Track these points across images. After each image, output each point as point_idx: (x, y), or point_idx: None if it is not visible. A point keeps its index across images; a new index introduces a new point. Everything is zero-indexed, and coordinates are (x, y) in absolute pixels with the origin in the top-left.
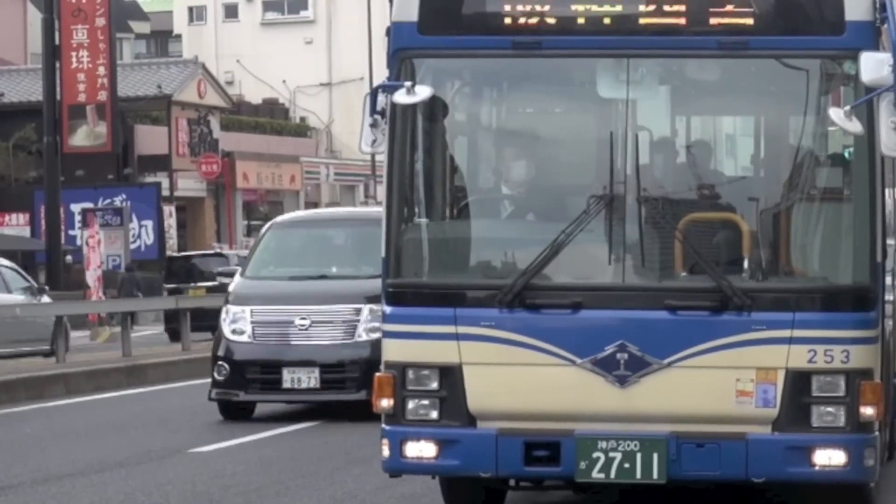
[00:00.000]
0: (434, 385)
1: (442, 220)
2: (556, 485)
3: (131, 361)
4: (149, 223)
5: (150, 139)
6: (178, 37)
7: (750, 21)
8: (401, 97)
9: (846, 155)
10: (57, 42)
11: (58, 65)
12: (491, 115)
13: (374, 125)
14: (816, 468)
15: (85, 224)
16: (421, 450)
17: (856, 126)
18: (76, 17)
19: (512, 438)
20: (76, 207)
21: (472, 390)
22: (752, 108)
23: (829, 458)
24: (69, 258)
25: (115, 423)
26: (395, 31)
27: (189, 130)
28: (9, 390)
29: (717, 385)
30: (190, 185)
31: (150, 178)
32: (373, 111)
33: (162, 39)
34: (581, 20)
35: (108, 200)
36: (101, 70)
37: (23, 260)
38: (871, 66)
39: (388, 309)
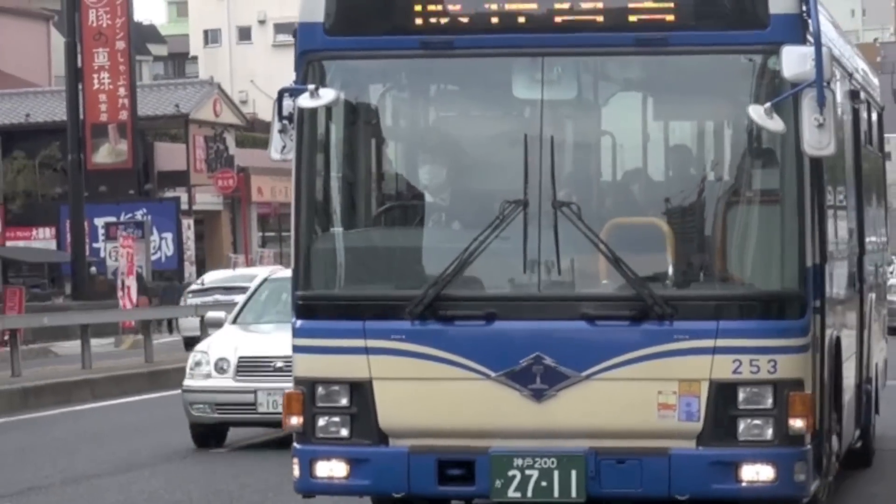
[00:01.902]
0: (344, 401)
1: (352, 230)
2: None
3: (153, 367)
4: (168, 235)
5: (168, 156)
6: (195, 58)
7: (670, 16)
8: (305, 101)
9: (773, 155)
10: (79, 65)
11: (80, 86)
12: (401, 118)
13: (282, 131)
14: (743, 484)
15: (108, 237)
16: (331, 469)
17: (777, 124)
18: (97, 41)
19: (424, 456)
20: (99, 221)
21: (383, 407)
22: (674, 107)
23: (756, 473)
24: (93, 269)
25: (138, 426)
26: (301, 33)
27: (206, 147)
28: (38, 395)
29: (638, 398)
30: (207, 199)
31: (169, 193)
32: (280, 116)
33: (179, 61)
34: (494, 18)
35: (129, 214)
36: (122, 91)
37: (49, 271)
38: (794, 60)
39: (297, 322)
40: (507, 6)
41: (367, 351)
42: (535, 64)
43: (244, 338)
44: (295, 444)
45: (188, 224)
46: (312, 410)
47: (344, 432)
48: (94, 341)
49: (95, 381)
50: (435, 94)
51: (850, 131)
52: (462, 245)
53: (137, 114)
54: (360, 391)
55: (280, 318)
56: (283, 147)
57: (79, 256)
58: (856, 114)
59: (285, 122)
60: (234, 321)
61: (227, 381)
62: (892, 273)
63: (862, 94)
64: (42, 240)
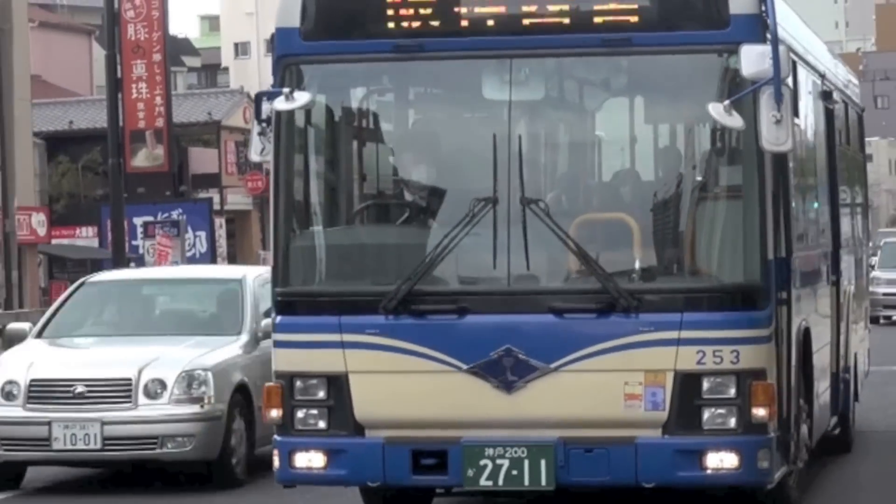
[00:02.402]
0: (321, 394)
1: (328, 228)
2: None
3: None
4: (202, 234)
5: (202, 160)
6: (226, 69)
7: (634, 17)
8: (280, 104)
9: (734, 151)
10: (119, 75)
11: (120, 95)
12: (375, 120)
13: (261, 133)
14: (708, 471)
15: (146, 235)
16: (310, 460)
17: (736, 121)
18: (135, 54)
19: (399, 447)
20: (138, 221)
21: (359, 399)
22: (638, 106)
23: (720, 460)
24: (133, 266)
25: None
26: (279, 38)
27: (236, 151)
28: None
29: (605, 389)
30: (238, 199)
31: (202, 194)
32: (258, 119)
33: (211, 72)
34: (464, 21)
35: (166, 214)
36: (158, 100)
37: (92, 267)
38: (753, 59)
39: (276, 318)
40: (477, 10)
41: (342, 345)
42: (503, 66)
43: (43, 355)
44: (275, 436)
45: (220, 223)
46: (291, 403)
47: (322, 424)
48: None
49: None
50: (408, 96)
51: (822, 130)
52: (434, 242)
53: (173, 121)
54: (337, 384)
55: (104, 331)
56: (263, 149)
57: (119, 253)
58: (829, 113)
59: (264, 124)
60: (40, 334)
61: (14, 411)
62: (874, 266)
63: (836, 95)
64: (85, 238)
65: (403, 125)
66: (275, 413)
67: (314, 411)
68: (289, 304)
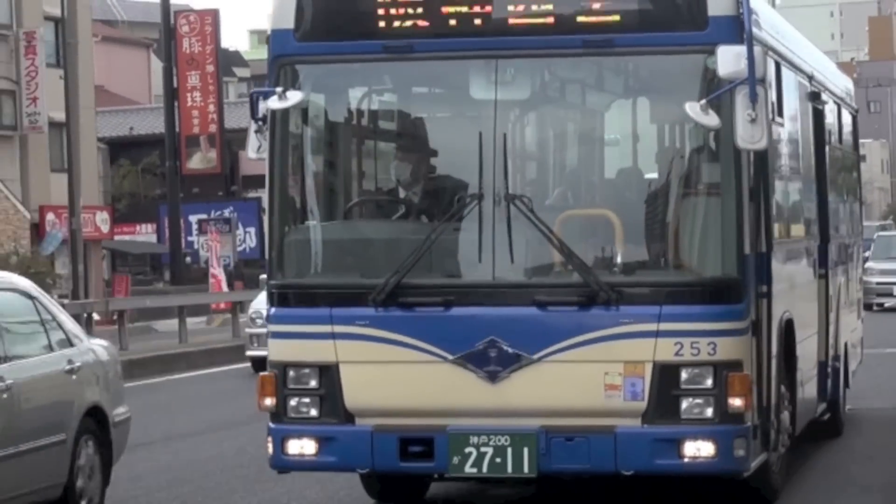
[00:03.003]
0: (313, 383)
1: (320, 223)
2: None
3: (240, 342)
4: (252, 230)
5: (251, 162)
6: None
7: (615, 19)
8: (274, 103)
9: (712, 150)
10: (175, 85)
11: (176, 103)
12: (366, 118)
13: (258, 131)
14: (685, 460)
15: (200, 232)
16: (302, 447)
17: (712, 120)
18: (190, 65)
19: (387, 435)
20: (193, 218)
21: (349, 388)
22: (620, 106)
23: (697, 449)
24: (188, 259)
25: (227, 392)
26: (273, 39)
27: None
28: (142, 366)
29: (586, 379)
30: None
31: (252, 194)
32: (254, 118)
33: (259, 82)
34: (451, 23)
35: (218, 212)
36: (211, 107)
37: (151, 261)
38: (729, 59)
39: (271, 310)
40: (463, 12)
41: (333, 336)
42: (489, 66)
43: None
44: (269, 424)
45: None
46: (284, 392)
47: (313, 412)
48: (189, 320)
49: (191, 354)
50: (397, 95)
51: (810, 129)
52: (422, 236)
53: (225, 126)
54: (328, 374)
55: None
56: (259, 147)
57: (175, 248)
58: (817, 113)
59: (260, 123)
60: None
61: None
62: (868, 257)
63: (824, 96)
64: (144, 234)
65: (393, 123)
66: (268, 401)
67: (306, 400)
68: (283, 296)
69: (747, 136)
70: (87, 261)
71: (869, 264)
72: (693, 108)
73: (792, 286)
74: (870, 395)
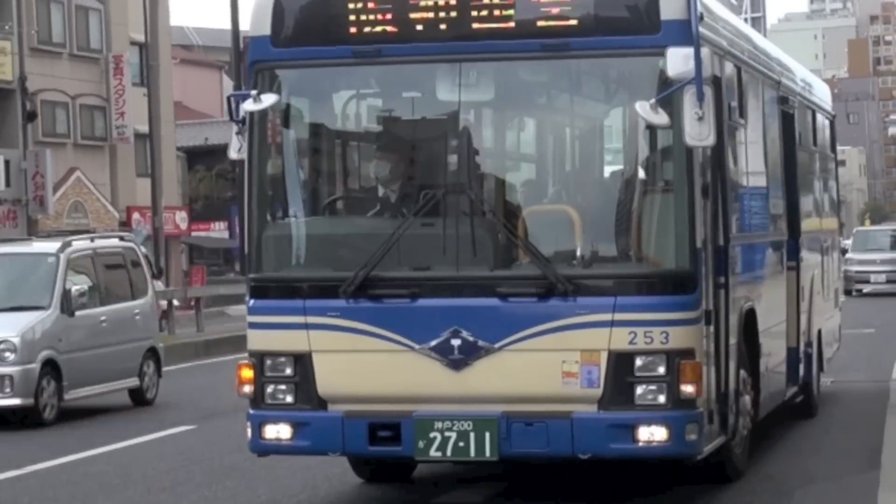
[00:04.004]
0: (288, 371)
1: (294, 219)
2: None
3: None
4: None
5: None
6: None
7: (572, 23)
8: (249, 105)
9: (665, 148)
10: None
11: None
12: (338, 120)
13: (238, 133)
14: (640, 444)
15: None
16: (278, 432)
17: (661, 118)
18: None
19: (357, 420)
20: None
21: (321, 376)
22: (578, 106)
23: (651, 434)
24: None
25: None
26: (251, 45)
27: None
28: (217, 346)
29: (545, 367)
30: None
31: None
32: (233, 119)
33: None
34: (418, 28)
35: None
36: None
37: (223, 254)
38: (677, 60)
39: (250, 302)
40: (429, 17)
41: (307, 327)
42: (453, 69)
43: None
44: (249, 410)
45: None
46: (261, 380)
47: (289, 399)
48: None
49: None
50: (367, 98)
51: (777, 130)
52: (390, 231)
53: None
54: (302, 362)
55: None
56: (240, 147)
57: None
58: (786, 116)
59: (240, 124)
60: None
61: None
62: (849, 248)
63: (793, 100)
64: (217, 231)
65: (363, 125)
66: (247, 388)
67: (282, 387)
68: (260, 288)
69: (695, 134)
70: (168, 254)
71: (849, 255)
72: (643, 108)
73: (755, 278)
74: (850, 370)
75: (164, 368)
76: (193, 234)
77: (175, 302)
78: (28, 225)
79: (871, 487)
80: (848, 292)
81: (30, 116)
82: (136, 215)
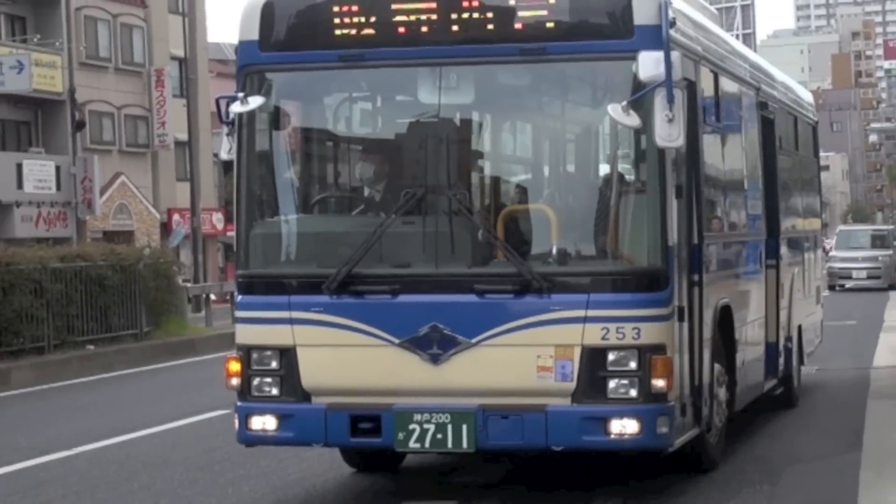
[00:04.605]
0: (274, 365)
1: (281, 218)
2: None
3: None
4: None
5: None
6: None
7: (549, 28)
8: (236, 107)
9: (638, 149)
10: None
11: None
12: (323, 122)
13: (228, 134)
14: (612, 436)
15: None
16: (264, 423)
17: (633, 120)
18: None
19: (339, 412)
20: None
21: (305, 369)
22: (555, 109)
23: (623, 426)
24: None
25: None
26: (240, 50)
27: None
28: None
29: (520, 361)
30: None
31: None
32: (221, 121)
33: None
34: (400, 32)
35: None
36: None
37: None
38: (649, 63)
39: (239, 297)
40: (411, 23)
41: (291, 322)
42: (434, 72)
43: None
44: (236, 402)
45: None
46: (248, 373)
47: (274, 391)
48: None
49: None
50: (352, 100)
51: (757, 135)
52: (372, 230)
53: None
54: (287, 356)
55: None
56: (230, 148)
57: None
58: (766, 121)
59: (230, 126)
60: None
61: None
62: (833, 246)
63: (773, 106)
64: None
65: (347, 126)
66: (234, 381)
67: (268, 380)
68: (248, 284)
69: (665, 135)
70: (205, 252)
71: (832, 253)
72: (615, 110)
73: (730, 275)
74: (833, 358)
75: (202, 357)
76: (229, 233)
77: (212, 296)
78: (77, 225)
79: (854, 466)
80: (832, 287)
81: (79, 125)
82: (176, 216)
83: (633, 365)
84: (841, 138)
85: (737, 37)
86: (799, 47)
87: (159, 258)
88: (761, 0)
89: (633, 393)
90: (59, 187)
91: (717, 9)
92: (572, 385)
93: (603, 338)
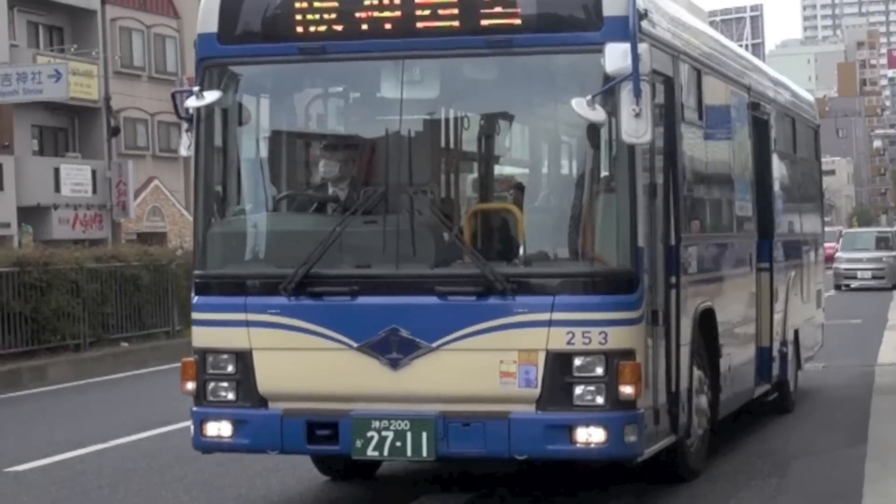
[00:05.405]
0: (230, 369)
1: (238, 216)
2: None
3: None
4: None
5: None
6: None
7: (516, 20)
8: (192, 101)
9: (607, 146)
10: None
11: None
12: (282, 117)
13: (188, 130)
14: (577, 445)
15: None
16: (219, 429)
17: (598, 115)
18: None
19: (296, 419)
20: None
21: (261, 373)
22: (522, 104)
23: (589, 435)
24: None
25: None
26: (199, 43)
27: None
28: None
29: (482, 367)
30: None
31: None
32: (178, 116)
33: None
34: (362, 26)
35: None
36: None
37: None
38: (616, 56)
39: (194, 298)
40: (373, 15)
41: (247, 324)
42: (396, 66)
43: None
44: (192, 407)
45: None
46: (204, 377)
47: (230, 396)
48: None
49: None
50: (312, 95)
51: (748, 135)
52: (331, 229)
53: None
54: (243, 360)
55: None
56: (189, 144)
57: None
58: (758, 122)
59: (188, 122)
60: None
61: None
62: (839, 247)
63: (767, 107)
64: None
65: (307, 122)
66: (190, 385)
67: (223, 384)
68: (204, 285)
69: (631, 131)
70: None
71: (838, 255)
72: (580, 105)
73: (714, 278)
74: (839, 356)
75: None
76: None
77: None
78: (112, 227)
79: (859, 459)
80: (837, 287)
81: (114, 131)
82: None
83: (599, 371)
84: (846, 144)
85: (746, 46)
86: (806, 56)
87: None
88: (770, 11)
89: (600, 400)
90: (94, 191)
91: (727, 19)
92: (536, 391)
93: (568, 342)
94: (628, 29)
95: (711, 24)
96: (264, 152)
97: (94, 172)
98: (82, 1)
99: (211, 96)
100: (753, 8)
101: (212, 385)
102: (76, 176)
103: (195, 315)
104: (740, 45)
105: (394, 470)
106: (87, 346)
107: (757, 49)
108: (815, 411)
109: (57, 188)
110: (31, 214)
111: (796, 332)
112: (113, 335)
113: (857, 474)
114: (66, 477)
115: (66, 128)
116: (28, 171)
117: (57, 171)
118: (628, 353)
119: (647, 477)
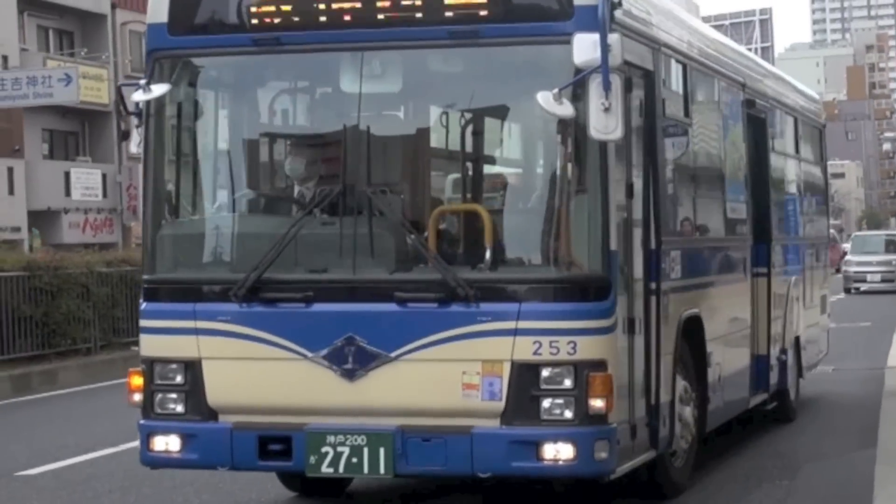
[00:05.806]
0: (178, 380)
1: (187, 218)
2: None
3: None
4: None
5: None
6: None
7: (482, 10)
8: (138, 95)
9: (577, 143)
10: None
11: None
12: (235, 112)
13: (138, 126)
14: (544, 462)
15: None
16: (167, 443)
17: (565, 110)
18: None
19: (246, 433)
20: None
21: (211, 385)
22: (488, 99)
23: (556, 451)
24: None
25: None
26: (149, 33)
27: None
28: None
29: (444, 378)
30: None
31: None
32: (126, 112)
33: None
34: (319, 16)
35: None
36: None
37: None
38: (584, 47)
39: (142, 305)
40: (331, 5)
41: (196, 332)
42: (355, 58)
43: None
44: (139, 420)
45: None
46: (151, 388)
47: (179, 409)
48: None
49: None
50: (266, 88)
51: (741, 135)
52: (285, 231)
53: None
54: (192, 370)
55: None
56: (139, 141)
57: None
58: (754, 120)
59: (137, 117)
60: None
61: None
62: (849, 250)
63: (763, 104)
64: None
65: (261, 118)
66: (137, 397)
67: (172, 395)
68: (153, 290)
69: (601, 127)
70: None
71: (847, 257)
72: (545, 99)
73: (701, 283)
74: (849, 359)
75: None
76: None
77: None
78: (122, 231)
79: (869, 462)
80: (847, 290)
81: (124, 135)
82: None
83: (568, 383)
84: (856, 146)
85: (755, 50)
86: (815, 60)
87: None
88: (779, 15)
89: (569, 414)
90: (105, 195)
91: (736, 23)
92: (501, 405)
93: (535, 352)
94: (601, 19)
95: (720, 27)
96: (217, 149)
97: (104, 176)
98: (92, 5)
99: (159, 90)
100: (763, 11)
101: (159, 396)
102: (86, 180)
103: (143, 322)
104: (749, 49)
105: (369, 486)
106: (97, 350)
107: (766, 52)
108: (824, 415)
109: (67, 192)
110: (41, 218)
111: (797, 339)
112: (123, 339)
113: (867, 477)
114: (78, 481)
115: (77, 132)
116: (38, 176)
117: (67, 175)
118: (599, 364)
119: (630, 492)
